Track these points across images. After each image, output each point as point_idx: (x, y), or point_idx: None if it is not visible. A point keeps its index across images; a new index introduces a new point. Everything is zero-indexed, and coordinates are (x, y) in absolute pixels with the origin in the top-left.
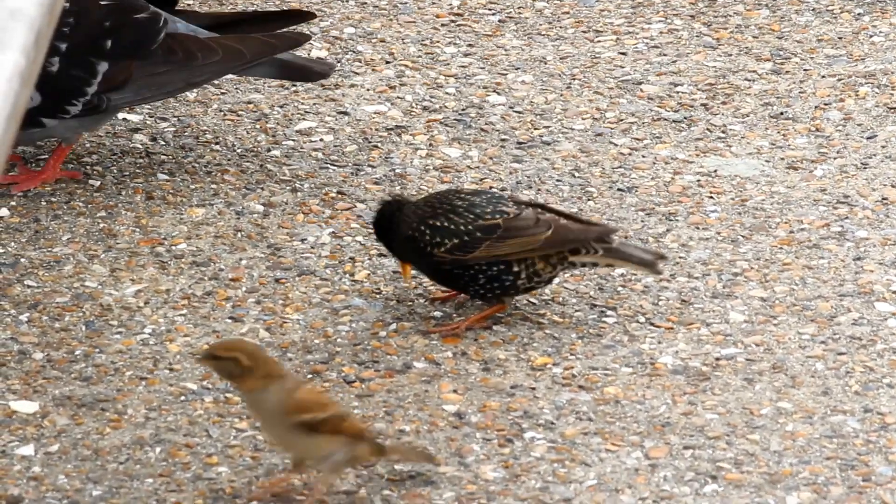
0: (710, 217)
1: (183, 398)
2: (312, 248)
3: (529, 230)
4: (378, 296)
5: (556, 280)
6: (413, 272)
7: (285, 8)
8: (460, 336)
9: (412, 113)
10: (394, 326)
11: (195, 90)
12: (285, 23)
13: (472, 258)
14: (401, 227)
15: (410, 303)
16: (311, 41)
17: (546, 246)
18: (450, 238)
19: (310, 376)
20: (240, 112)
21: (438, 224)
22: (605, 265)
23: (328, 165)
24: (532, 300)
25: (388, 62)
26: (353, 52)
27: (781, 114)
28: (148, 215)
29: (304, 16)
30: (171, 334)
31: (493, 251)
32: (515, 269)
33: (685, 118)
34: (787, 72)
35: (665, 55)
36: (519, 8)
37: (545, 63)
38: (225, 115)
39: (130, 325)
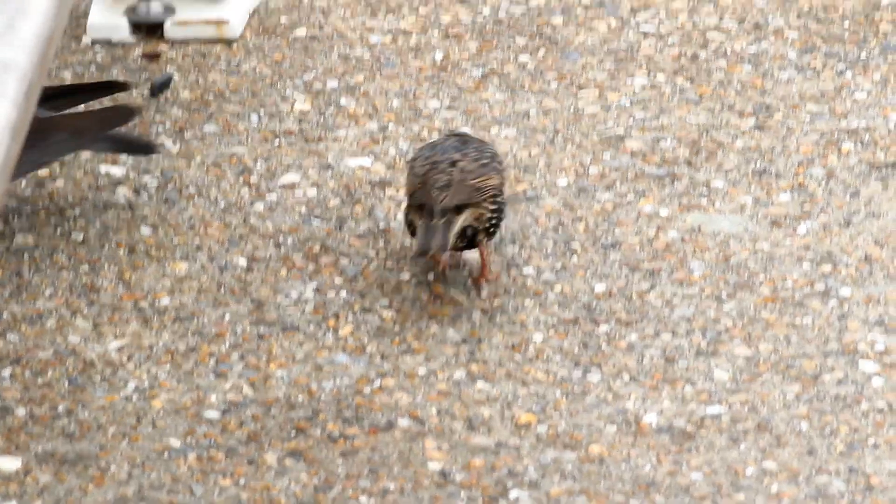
0: (694, 274)
1: (166, 455)
2: (296, 303)
3: (411, 176)
4: (362, 352)
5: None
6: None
7: (105, 79)
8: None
9: (396, 167)
10: (378, 383)
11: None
12: (106, 92)
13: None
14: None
15: (394, 359)
16: (135, 116)
17: (409, 197)
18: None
19: (294, 433)
20: (223, 165)
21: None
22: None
23: (312, 220)
24: (516, 357)
25: (371, 116)
26: (336, 105)
27: (765, 170)
28: (131, 269)
29: (120, 86)
30: (155, 390)
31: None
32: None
33: (668, 174)
34: (770, 128)
35: (648, 110)
36: (502, 62)
37: (528, 118)
38: (208, 168)
39: (113, 380)
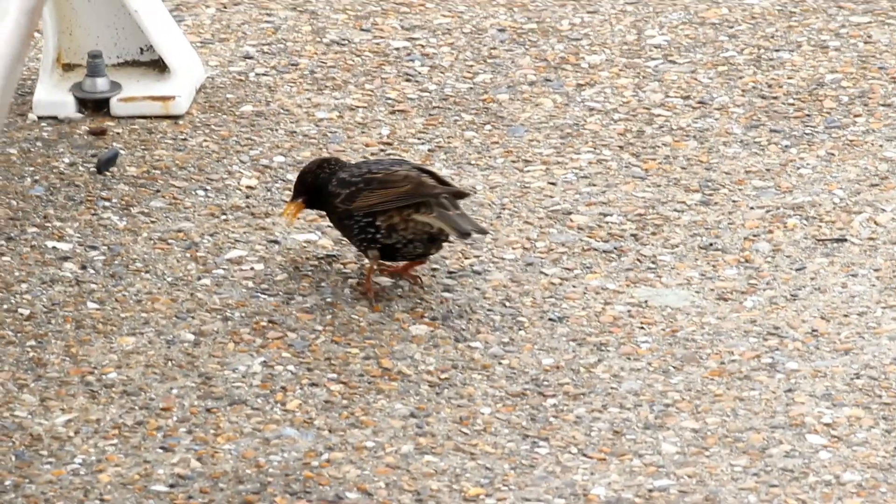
0: (641, 347)
1: None
2: (244, 377)
3: (395, 184)
4: (310, 425)
5: (418, 249)
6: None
7: None
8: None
9: (343, 241)
10: (326, 456)
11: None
12: None
13: (354, 207)
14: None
15: (342, 433)
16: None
17: (401, 199)
18: (344, 188)
19: None
20: (170, 240)
21: (342, 177)
22: (437, 227)
23: (259, 294)
24: (464, 430)
25: None
26: (283, 180)
27: (711, 245)
28: (78, 344)
29: None
30: (102, 464)
31: (365, 201)
32: (377, 222)
33: (615, 248)
34: (715, 203)
35: (594, 185)
36: (448, 137)
37: (475, 192)
38: (155, 243)
39: (61, 455)
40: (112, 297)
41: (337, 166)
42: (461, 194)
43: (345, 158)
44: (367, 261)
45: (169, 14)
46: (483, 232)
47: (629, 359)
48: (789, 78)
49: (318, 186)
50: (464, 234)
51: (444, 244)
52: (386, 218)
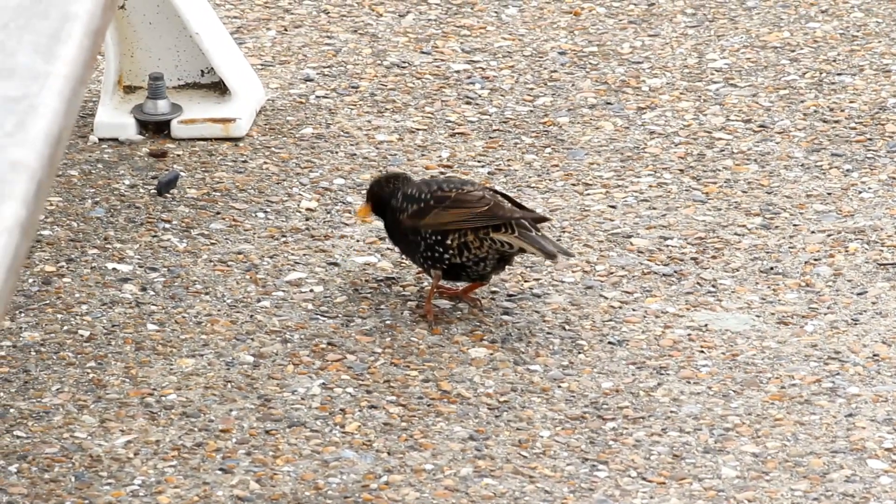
0: (701, 371)
1: None
2: (303, 399)
3: (470, 203)
4: (369, 448)
5: (487, 268)
6: None
7: None
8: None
9: (402, 264)
10: (385, 479)
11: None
12: None
13: (423, 224)
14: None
15: (401, 455)
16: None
17: (477, 218)
18: (412, 203)
19: None
20: (230, 262)
21: (409, 192)
22: (518, 248)
23: (318, 316)
24: (523, 453)
25: None
26: (343, 203)
27: (771, 269)
28: (138, 365)
29: None
30: (161, 486)
31: (437, 219)
32: (448, 241)
33: (675, 272)
34: (776, 227)
35: (654, 209)
36: (508, 160)
37: (551, 220)
38: (215, 265)
39: (120, 476)
40: (172, 319)
41: (400, 183)
42: (542, 219)
43: None
44: (426, 284)
45: (230, 37)
46: (568, 254)
47: (689, 382)
48: (851, 102)
49: (381, 200)
50: (550, 256)
51: (506, 267)
52: (458, 236)
